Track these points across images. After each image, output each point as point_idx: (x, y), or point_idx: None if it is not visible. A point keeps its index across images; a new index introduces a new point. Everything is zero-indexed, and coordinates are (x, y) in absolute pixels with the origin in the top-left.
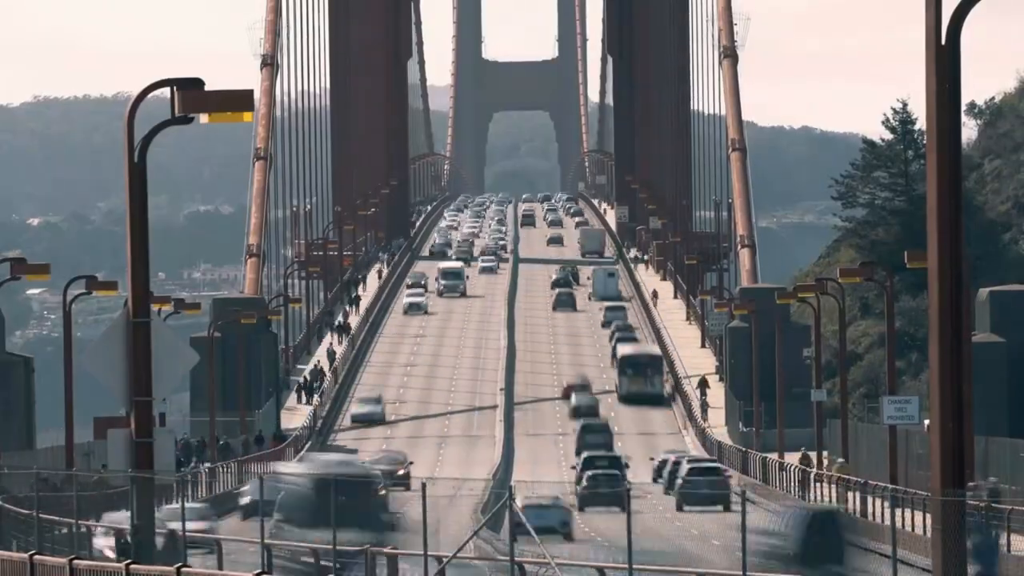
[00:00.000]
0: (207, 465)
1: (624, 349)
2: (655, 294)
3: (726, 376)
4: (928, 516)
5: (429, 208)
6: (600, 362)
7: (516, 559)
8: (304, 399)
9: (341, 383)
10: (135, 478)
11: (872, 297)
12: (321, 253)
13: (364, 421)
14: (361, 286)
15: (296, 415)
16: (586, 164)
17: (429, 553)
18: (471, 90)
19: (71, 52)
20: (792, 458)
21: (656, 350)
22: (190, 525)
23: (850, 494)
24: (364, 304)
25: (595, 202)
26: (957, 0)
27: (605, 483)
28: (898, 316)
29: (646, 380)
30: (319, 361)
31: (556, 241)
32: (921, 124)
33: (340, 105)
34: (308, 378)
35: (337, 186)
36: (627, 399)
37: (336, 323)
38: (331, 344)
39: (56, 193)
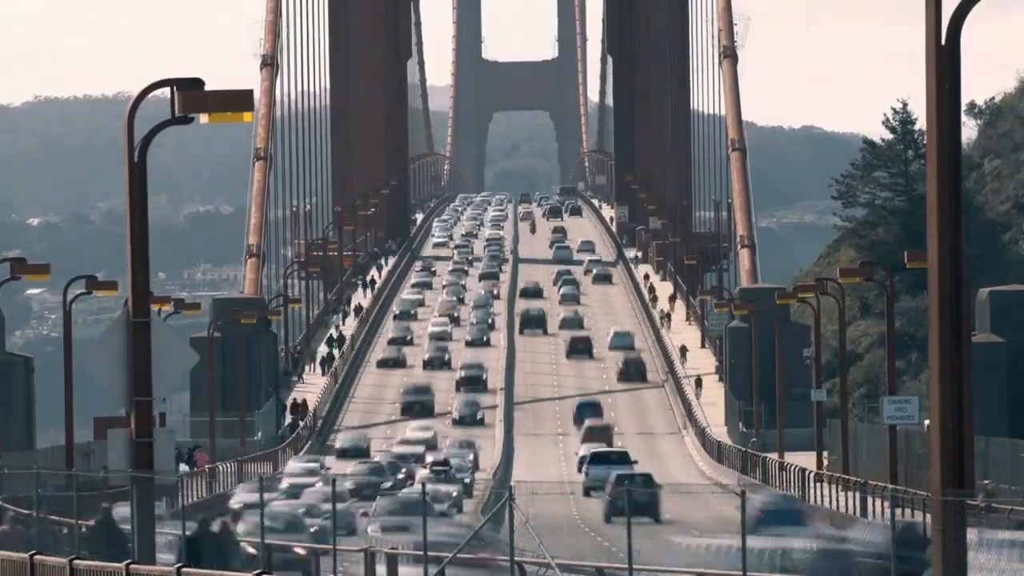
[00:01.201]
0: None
1: (562, 185)
2: (684, 350)
3: (726, 376)
4: (928, 516)
5: (433, 203)
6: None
7: (516, 559)
8: (325, 369)
9: (341, 383)
10: (135, 478)
11: (872, 297)
12: (321, 253)
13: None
14: (373, 271)
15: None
16: (586, 164)
17: (430, 553)
18: (471, 90)
19: (71, 52)
20: (793, 458)
21: (575, 186)
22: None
23: (849, 494)
24: (358, 311)
25: (595, 202)
26: (957, 0)
27: None
28: (898, 316)
29: (567, 197)
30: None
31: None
32: (921, 124)
33: (340, 105)
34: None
35: (337, 186)
36: (560, 205)
37: (345, 308)
38: (340, 329)
39: (56, 193)
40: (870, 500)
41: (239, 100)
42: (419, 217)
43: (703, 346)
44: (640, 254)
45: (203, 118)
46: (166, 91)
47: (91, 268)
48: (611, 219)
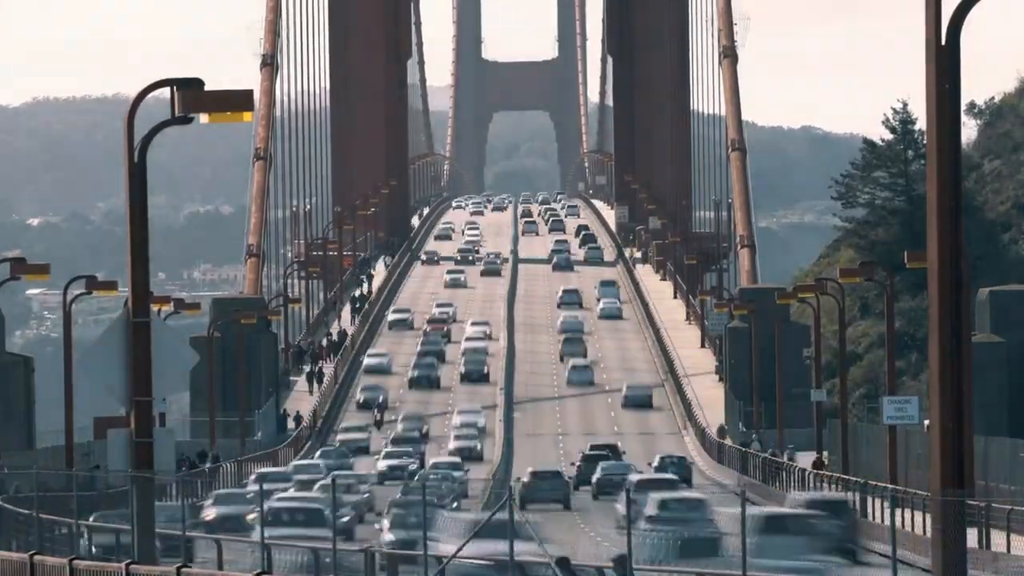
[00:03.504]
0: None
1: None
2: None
3: (726, 376)
4: (928, 516)
5: (432, 202)
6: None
7: (516, 559)
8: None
9: (341, 383)
10: (135, 478)
11: (872, 297)
12: (321, 253)
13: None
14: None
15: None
16: (586, 164)
17: (429, 553)
18: (471, 90)
19: (71, 52)
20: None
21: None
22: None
23: (850, 493)
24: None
25: (595, 202)
26: (957, 0)
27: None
28: (898, 316)
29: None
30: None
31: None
32: (921, 124)
33: (340, 105)
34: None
35: (337, 186)
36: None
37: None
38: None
39: (56, 193)
40: (870, 500)
41: (239, 100)
42: (422, 214)
43: (703, 346)
44: (640, 254)
45: (203, 118)
46: (166, 91)
47: (91, 268)
48: (593, 186)
